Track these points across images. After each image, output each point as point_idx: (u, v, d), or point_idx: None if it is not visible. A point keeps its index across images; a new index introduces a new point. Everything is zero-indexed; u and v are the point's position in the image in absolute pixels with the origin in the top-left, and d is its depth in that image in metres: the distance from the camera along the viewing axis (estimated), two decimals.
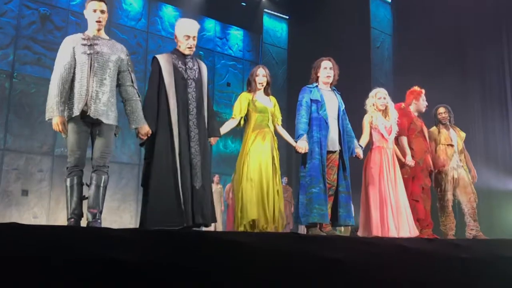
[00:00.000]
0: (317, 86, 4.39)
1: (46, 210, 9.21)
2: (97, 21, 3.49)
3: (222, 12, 12.25)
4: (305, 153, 4.19)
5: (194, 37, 3.82)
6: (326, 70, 4.39)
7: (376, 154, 4.69)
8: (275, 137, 4.34)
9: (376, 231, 4.41)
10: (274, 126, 4.39)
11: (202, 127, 3.79)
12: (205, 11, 11.85)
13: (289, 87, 12.82)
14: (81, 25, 9.08)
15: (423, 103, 5.31)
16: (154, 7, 11.51)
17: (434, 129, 5.52)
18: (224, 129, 4.27)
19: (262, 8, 13.41)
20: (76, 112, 3.32)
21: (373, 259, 2.15)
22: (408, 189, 4.88)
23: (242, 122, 4.34)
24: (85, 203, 3.40)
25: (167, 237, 2.10)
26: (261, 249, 1.97)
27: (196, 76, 3.84)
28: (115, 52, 3.54)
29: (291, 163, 11.30)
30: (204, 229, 3.88)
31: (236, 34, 13.07)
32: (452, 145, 5.39)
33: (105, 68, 3.45)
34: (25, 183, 9.09)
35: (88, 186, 3.42)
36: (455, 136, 5.48)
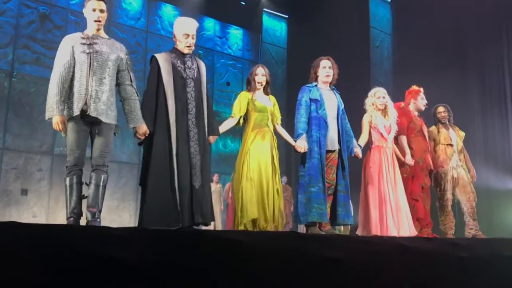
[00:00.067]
0: (316, 85, 4.39)
1: (45, 209, 9.20)
2: (96, 21, 3.49)
3: (221, 11, 12.24)
4: (304, 153, 4.19)
5: (193, 35, 3.82)
6: (325, 69, 4.39)
7: (375, 154, 4.69)
8: (275, 137, 4.34)
9: (375, 230, 4.41)
10: (274, 126, 4.39)
11: (201, 127, 3.78)
12: (205, 10, 11.84)
13: (288, 87, 12.81)
14: (80, 24, 9.07)
15: (421, 102, 5.31)
16: (153, 6, 11.50)
17: (433, 128, 5.52)
18: (223, 127, 4.27)
19: (261, 7, 13.40)
20: (76, 111, 3.32)
21: (373, 258, 2.15)
22: (407, 188, 4.88)
23: (241, 121, 4.34)
24: (84, 202, 3.40)
25: (166, 236, 2.10)
26: (260, 248, 1.97)
27: (195, 75, 3.83)
28: (115, 51, 3.54)
29: (290, 162, 11.30)
30: (203, 228, 3.88)
31: (236, 34, 13.06)
32: (451, 145, 5.39)
33: (105, 67, 3.45)
34: (24, 183, 9.08)
35: (88, 185, 3.42)
36: (455, 136, 5.49)
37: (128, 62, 3.64)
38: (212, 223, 4.11)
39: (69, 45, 3.43)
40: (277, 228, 4.11)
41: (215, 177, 10.03)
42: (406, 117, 5.17)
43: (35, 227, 1.98)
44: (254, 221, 4.00)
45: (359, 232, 4.65)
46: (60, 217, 8.73)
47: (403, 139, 5.06)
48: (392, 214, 4.45)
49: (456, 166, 5.35)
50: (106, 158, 3.49)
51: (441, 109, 5.55)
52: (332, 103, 4.37)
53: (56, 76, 3.35)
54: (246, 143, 4.21)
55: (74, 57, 3.40)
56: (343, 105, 4.47)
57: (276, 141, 4.35)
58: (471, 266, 2.37)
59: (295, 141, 4.21)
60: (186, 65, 3.81)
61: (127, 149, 10.05)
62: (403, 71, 9.83)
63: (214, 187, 9.43)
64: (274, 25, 13.79)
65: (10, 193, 8.89)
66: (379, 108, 4.81)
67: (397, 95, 6.02)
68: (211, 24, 12.52)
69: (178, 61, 3.79)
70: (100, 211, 3.42)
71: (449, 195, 5.28)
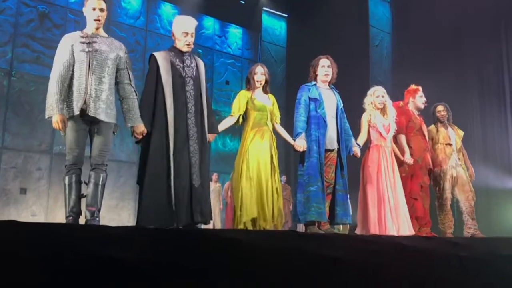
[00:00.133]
0: (315, 84, 4.39)
1: (44, 208, 9.20)
2: (96, 20, 3.48)
3: (221, 10, 12.23)
4: (303, 152, 4.19)
5: (192, 34, 3.81)
6: (324, 68, 4.39)
7: (374, 153, 4.69)
8: (274, 136, 4.34)
9: (374, 229, 4.42)
10: (273, 124, 4.39)
11: (200, 126, 3.77)
12: (204, 9, 11.83)
13: (287, 86, 12.81)
14: (79, 23, 9.06)
15: (420, 100, 5.31)
16: (152, 5, 11.50)
17: (432, 127, 5.52)
18: (222, 126, 4.27)
19: (261, 6, 13.39)
20: (76, 111, 3.31)
21: (372, 257, 2.15)
22: (406, 188, 4.89)
23: (240, 120, 4.34)
24: (83, 201, 3.40)
25: (165, 235, 2.10)
26: (259, 247, 1.97)
27: (194, 74, 3.82)
28: (114, 50, 3.53)
29: (289, 161, 11.30)
30: (203, 226, 3.88)
31: (235, 32, 13.06)
32: (450, 144, 5.40)
33: (104, 66, 3.44)
34: (23, 182, 9.08)
35: (87, 184, 3.42)
36: (454, 135, 5.49)
37: (127, 61, 3.64)
38: (211, 222, 4.10)
39: (69, 44, 3.42)
40: (276, 227, 4.11)
41: (214, 176, 10.03)
42: (405, 116, 5.18)
43: (34, 226, 1.98)
44: (253, 220, 4.00)
45: (358, 231, 4.65)
46: (59, 216, 8.73)
47: (402, 138, 5.07)
48: (390, 213, 4.46)
49: (456, 165, 5.35)
50: (105, 157, 3.48)
51: (440, 108, 5.55)
52: (331, 102, 4.37)
53: (56, 75, 3.35)
54: (245, 142, 4.21)
55: (73, 56, 3.40)
56: (342, 104, 4.47)
57: (275, 140, 4.35)
58: (470, 265, 2.37)
59: (294, 140, 4.21)
60: (185, 64, 3.80)
61: (126, 148, 10.05)
62: (403, 70, 9.83)
63: (213, 186, 9.42)
64: (274, 24, 13.78)
65: (9, 192, 8.88)
66: (378, 107, 4.81)
67: (397, 94, 6.02)
68: (210, 23, 12.52)
69: (177, 60, 3.78)
70: (99, 210, 3.41)
71: (448, 194, 5.28)
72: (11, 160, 9.01)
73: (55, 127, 3.31)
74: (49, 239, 1.65)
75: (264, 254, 1.88)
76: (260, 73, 4.35)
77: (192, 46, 3.84)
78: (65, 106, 3.34)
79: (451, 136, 5.45)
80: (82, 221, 3.40)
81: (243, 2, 12.96)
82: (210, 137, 3.94)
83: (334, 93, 4.47)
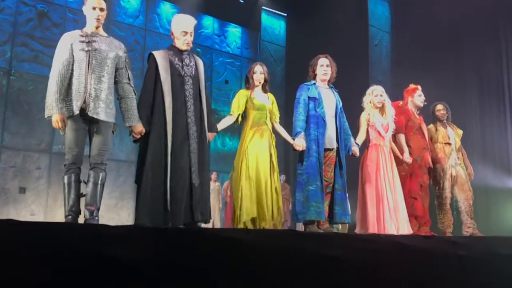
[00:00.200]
0: (314, 83, 4.40)
1: (43, 207, 9.20)
2: (96, 19, 3.48)
3: (220, 9, 12.22)
4: (303, 151, 4.19)
5: (191, 33, 3.80)
6: (323, 67, 4.39)
7: (373, 152, 4.70)
8: (273, 135, 4.34)
9: (373, 229, 4.42)
10: (272, 124, 4.39)
11: (200, 124, 3.77)
12: (203, 8, 11.82)
13: (287, 85, 12.81)
14: (78, 22, 9.05)
15: (418, 99, 5.31)
16: (152, 4, 11.49)
17: (431, 126, 5.52)
18: (222, 125, 4.27)
19: (260, 5, 13.39)
20: (76, 110, 3.31)
21: (371, 256, 2.15)
22: (406, 187, 4.90)
23: (239, 119, 4.34)
24: (82, 200, 3.40)
25: (164, 234, 2.10)
26: (259, 246, 1.97)
27: (193, 73, 3.81)
28: (113, 49, 3.53)
29: (289, 160, 11.30)
30: (202, 225, 3.88)
31: (234, 32, 13.05)
32: (449, 143, 5.40)
33: (103, 65, 3.44)
34: (22, 181, 9.07)
35: (86, 183, 3.42)
36: (453, 134, 5.50)
37: (127, 60, 3.63)
38: (210, 221, 4.10)
39: (68, 42, 3.41)
40: (275, 227, 4.11)
41: (214, 175, 10.03)
42: (405, 115, 5.18)
43: (33, 225, 1.98)
44: (253, 220, 4.00)
45: (357, 230, 4.65)
46: (58, 215, 8.73)
47: (402, 137, 5.07)
48: (389, 213, 4.46)
49: (455, 164, 5.36)
50: (104, 156, 3.48)
51: (440, 107, 5.56)
52: (330, 101, 4.38)
53: (55, 74, 3.34)
54: (244, 142, 4.21)
55: (73, 55, 3.39)
56: (341, 103, 4.48)
57: (275, 139, 4.35)
58: (469, 264, 2.37)
59: (294, 139, 4.21)
60: (184, 63, 3.79)
61: (125, 148, 10.05)
62: (402, 69, 9.83)
63: (213, 185, 9.43)
64: (273, 23, 13.78)
65: (8, 191, 8.88)
66: (377, 106, 4.81)
67: (396, 93, 6.02)
68: (209, 22, 12.51)
69: (176, 59, 3.77)
70: (98, 209, 3.41)
71: (448, 194, 5.29)
72: (10, 159, 9.00)
73: (55, 127, 3.30)
74: (48, 238, 1.65)
75: (264, 253, 1.88)
76: (259, 72, 4.35)
77: (191, 45, 3.84)
78: (64, 105, 3.33)
79: (450, 135, 5.45)
80: (81, 220, 3.39)
81: (242, 1, 12.95)
82: (210, 136, 3.93)
83: (333, 92, 4.47)
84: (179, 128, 3.63)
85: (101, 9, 3.49)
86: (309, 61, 4.51)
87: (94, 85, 3.37)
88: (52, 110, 3.28)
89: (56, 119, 3.27)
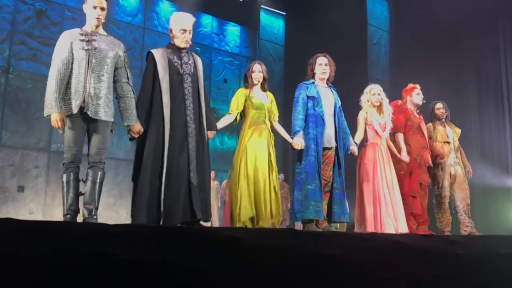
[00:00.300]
0: (313, 82, 4.40)
1: (42, 206, 9.19)
2: (96, 18, 3.47)
3: (219, 8, 12.20)
4: (301, 150, 4.20)
5: (190, 30, 3.79)
6: (322, 66, 4.39)
7: (370, 151, 4.71)
8: (272, 134, 4.34)
9: (370, 227, 4.43)
10: (271, 123, 4.39)
11: (199, 123, 3.76)
12: (202, 7, 11.79)
13: (286, 84, 12.79)
14: (77, 20, 9.03)
15: (417, 97, 5.31)
16: (150, 2, 11.47)
17: (429, 125, 5.53)
18: (221, 124, 4.26)
19: (259, 4, 13.37)
20: (75, 109, 3.31)
21: (369, 255, 2.16)
22: (405, 185, 4.90)
23: (238, 118, 4.34)
24: (81, 199, 3.39)
25: (163, 232, 2.10)
26: (258, 245, 1.97)
27: (192, 71, 3.81)
28: (113, 48, 3.52)
29: (287, 159, 11.30)
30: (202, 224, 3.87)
31: (233, 30, 13.03)
32: (448, 142, 5.41)
33: (103, 64, 3.43)
34: (21, 179, 9.06)
35: (84, 182, 3.41)
36: (451, 133, 5.51)
37: (126, 60, 3.63)
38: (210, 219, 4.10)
39: (68, 41, 3.40)
40: (274, 225, 4.11)
41: (212, 174, 9.99)
42: (404, 114, 5.18)
43: (32, 224, 1.98)
44: (251, 219, 4.01)
45: (355, 229, 4.66)
46: (57, 214, 8.71)
47: (400, 136, 5.08)
48: (387, 211, 4.47)
49: (454, 163, 5.37)
50: (103, 155, 3.48)
51: (439, 105, 5.57)
52: (329, 100, 4.38)
53: (55, 73, 3.33)
54: (243, 141, 4.21)
55: (72, 54, 3.38)
56: (340, 102, 4.48)
57: (273, 138, 4.35)
58: (468, 263, 2.38)
59: (292, 138, 4.21)
60: (182, 61, 3.78)
61: (124, 146, 10.03)
62: (401, 68, 9.83)
63: (212, 184, 9.40)
64: (272, 22, 13.76)
65: (6, 190, 8.86)
66: (374, 104, 4.82)
67: (395, 92, 6.02)
68: (208, 21, 12.49)
69: (175, 57, 3.76)
70: (96, 208, 3.41)
71: (447, 193, 5.30)
72: (9, 157, 8.99)
73: (54, 125, 3.30)
74: (47, 237, 1.65)
75: (263, 252, 1.88)
76: (257, 71, 4.35)
77: (190, 42, 3.83)
78: (63, 104, 3.33)
79: (449, 134, 5.46)
80: (80, 219, 3.39)
81: (241, 0, 12.93)
82: (210, 134, 3.92)
83: (332, 91, 4.47)
84: (178, 126, 3.63)
85: (102, 9, 3.48)
86: (308, 60, 4.51)
87: (93, 84, 3.37)
88: (51, 109, 3.28)
89: (55, 118, 3.27)
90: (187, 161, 3.61)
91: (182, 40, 3.77)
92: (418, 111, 5.37)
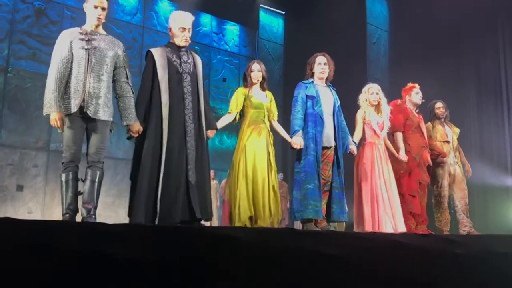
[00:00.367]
0: (312, 82, 4.40)
1: (41, 205, 9.18)
2: (97, 18, 3.46)
3: (218, 7, 12.18)
4: (300, 149, 4.19)
5: (189, 29, 3.79)
6: (321, 65, 4.39)
7: (367, 150, 4.71)
8: (271, 133, 4.34)
9: (368, 227, 4.43)
10: (270, 122, 4.39)
11: (198, 122, 3.76)
12: (201, 6, 11.78)
13: (285, 83, 12.79)
14: (76, 19, 9.02)
15: (416, 97, 5.32)
16: (149, 1, 11.46)
17: (428, 125, 5.53)
18: (221, 123, 4.26)
19: (258, 3, 13.35)
20: (74, 108, 3.30)
21: (368, 255, 2.16)
22: (404, 185, 4.90)
23: (238, 117, 4.35)
24: (80, 199, 3.39)
25: (162, 232, 2.10)
26: (257, 244, 1.97)
27: (191, 70, 3.80)
28: (112, 48, 3.52)
29: (287, 159, 11.30)
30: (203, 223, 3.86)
31: (232, 30, 13.02)
32: (448, 142, 5.42)
33: (103, 64, 3.43)
34: (20, 179, 9.05)
35: (83, 181, 3.41)
36: (450, 132, 5.51)
37: (125, 59, 3.62)
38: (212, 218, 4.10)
39: (68, 40, 3.40)
40: (273, 225, 4.11)
41: (211, 173, 10.01)
42: (403, 114, 5.19)
43: (30, 224, 1.98)
44: (250, 218, 4.01)
45: (354, 228, 4.66)
46: (55, 213, 8.71)
47: (399, 136, 5.08)
48: (385, 210, 4.47)
49: (453, 163, 5.38)
50: (102, 154, 3.47)
51: (439, 104, 5.58)
52: (328, 99, 4.38)
53: (54, 72, 3.33)
54: (242, 140, 4.21)
55: (72, 53, 3.37)
56: (339, 102, 4.48)
57: (273, 137, 4.35)
58: (466, 262, 2.38)
59: (291, 138, 4.21)
60: (182, 60, 3.78)
61: (123, 146, 10.02)
62: (400, 67, 9.84)
63: (211, 183, 9.41)
64: (271, 21, 13.75)
65: (5, 189, 8.86)
66: (373, 104, 4.82)
67: (394, 91, 6.02)
68: (207, 20, 12.48)
69: (174, 56, 3.76)
70: (95, 208, 3.41)
71: (446, 192, 5.31)
72: (8, 157, 8.98)
73: (53, 125, 3.29)
74: (45, 236, 1.65)
75: (261, 252, 1.88)
76: (256, 70, 4.34)
77: (190, 41, 3.83)
78: (62, 103, 3.32)
79: (448, 134, 5.47)
80: (78, 218, 3.39)
81: None
82: (210, 133, 3.91)
83: (331, 90, 4.47)
84: (177, 125, 3.63)
85: (103, 9, 3.48)
86: (307, 59, 4.51)
87: (93, 83, 3.36)
88: (51, 108, 3.27)
89: (54, 117, 3.26)
90: (186, 160, 3.61)
91: (181, 38, 3.77)
92: (417, 110, 5.37)
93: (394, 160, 4.90)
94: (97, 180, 3.41)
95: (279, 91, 11.69)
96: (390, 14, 11.55)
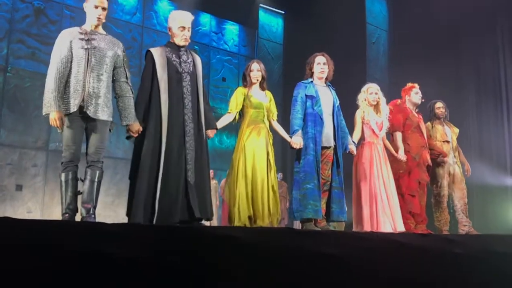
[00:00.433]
0: (312, 81, 4.39)
1: (40, 205, 9.17)
2: (97, 18, 3.46)
3: (217, 6, 12.18)
4: (300, 149, 4.19)
5: (188, 28, 3.78)
6: (320, 65, 4.39)
7: (366, 150, 4.72)
8: (270, 133, 4.34)
9: (367, 226, 4.44)
10: (270, 122, 4.39)
11: (197, 121, 3.76)
12: (201, 5, 11.78)
13: (284, 83, 12.79)
14: (75, 19, 9.02)
15: (415, 96, 5.32)
16: (149, 1, 11.45)
17: (428, 124, 5.54)
18: (221, 123, 4.26)
19: (257, 3, 13.35)
20: (74, 108, 3.30)
21: (368, 254, 2.16)
22: (404, 184, 4.91)
23: (237, 117, 4.35)
24: (79, 198, 3.39)
25: (162, 232, 2.10)
26: (256, 244, 1.97)
27: (191, 70, 3.80)
28: (112, 48, 3.51)
29: (286, 158, 11.30)
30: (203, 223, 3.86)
31: (232, 29, 13.02)
32: (448, 141, 5.43)
33: (102, 64, 3.43)
34: (19, 178, 9.04)
35: (83, 181, 3.41)
36: (450, 132, 5.52)
37: (125, 59, 3.62)
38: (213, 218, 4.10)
39: (67, 39, 3.39)
40: (272, 225, 4.11)
41: (211, 173, 10.01)
42: (402, 113, 5.19)
43: (30, 223, 1.97)
44: (249, 218, 4.01)
45: (353, 228, 4.67)
46: (55, 213, 8.71)
47: (398, 135, 5.08)
48: (383, 210, 4.47)
49: (453, 162, 5.38)
50: (101, 154, 3.47)
51: (439, 104, 5.59)
52: (327, 99, 4.38)
53: (54, 71, 3.32)
54: (241, 139, 4.21)
55: (71, 52, 3.37)
56: (338, 102, 4.48)
57: (272, 137, 4.35)
58: (466, 262, 2.38)
59: (291, 137, 4.21)
60: (181, 59, 3.78)
61: (122, 145, 10.02)
62: (399, 67, 9.84)
63: (210, 183, 9.40)
64: (270, 21, 13.75)
65: (5, 189, 8.85)
66: (371, 103, 4.82)
67: (393, 91, 6.02)
68: (207, 20, 12.48)
69: (173, 55, 3.76)
70: (95, 207, 3.40)
71: (445, 192, 5.32)
72: (7, 156, 8.97)
73: (53, 124, 3.29)
74: (45, 236, 1.65)
75: (261, 251, 1.88)
76: (256, 70, 4.34)
77: (189, 40, 3.82)
78: (62, 103, 3.32)
79: (447, 133, 5.47)
80: (78, 218, 3.39)
81: None
82: (210, 133, 3.91)
83: (330, 90, 4.47)
84: (176, 125, 3.62)
85: (103, 9, 3.47)
86: (307, 59, 4.51)
87: (92, 83, 3.36)
88: (50, 107, 3.27)
89: (54, 117, 3.26)
90: (185, 160, 3.61)
91: (181, 38, 3.76)
92: (417, 110, 5.37)
93: (393, 159, 4.91)
94: (96, 179, 3.41)
95: (278, 90, 11.69)
96: (389, 14, 11.56)
